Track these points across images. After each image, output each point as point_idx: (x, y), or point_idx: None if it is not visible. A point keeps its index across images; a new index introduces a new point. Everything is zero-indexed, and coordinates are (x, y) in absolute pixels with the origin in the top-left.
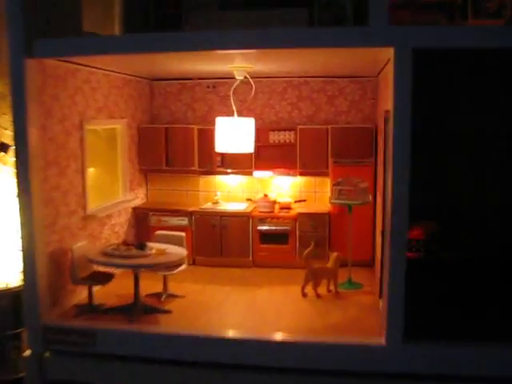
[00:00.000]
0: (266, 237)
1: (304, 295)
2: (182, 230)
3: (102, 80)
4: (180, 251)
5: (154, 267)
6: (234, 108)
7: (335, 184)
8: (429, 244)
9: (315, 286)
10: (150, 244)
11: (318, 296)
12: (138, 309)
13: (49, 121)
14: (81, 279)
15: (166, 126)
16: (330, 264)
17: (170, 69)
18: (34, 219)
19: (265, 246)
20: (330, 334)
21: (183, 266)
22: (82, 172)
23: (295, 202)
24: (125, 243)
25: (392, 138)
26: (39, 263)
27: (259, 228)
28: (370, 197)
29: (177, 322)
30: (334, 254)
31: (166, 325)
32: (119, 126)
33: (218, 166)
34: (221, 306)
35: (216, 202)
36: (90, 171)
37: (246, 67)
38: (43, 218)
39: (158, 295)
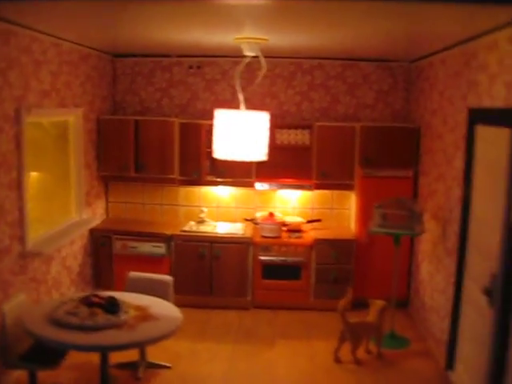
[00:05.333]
0: (271, 270)
1: (337, 360)
2: (156, 261)
3: (49, 51)
4: (170, 312)
5: (133, 347)
6: (240, 97)
7: (377, 206)
8: None
9: (354, 349)
10: (124, 297)
11: (358, 363)
12: None
13: None
14: (18, 360)
15: (134, 117)
16: (372, 316)
17: (146, 37)
18: None
19: (269, 281)
20: None
21: None
22: (19, 186)
23: (307, 221)
24: (87, 299)
25: None
26: None
27: (262, 258)
28: (425, 225)
29: None
30: (378, 303)
31: None
32: (72, 118)
33: (207, 174)
34: None
35: (202, 221)
36: (32, 179)
37: (260, 39)
38: None
39: (132, 366)
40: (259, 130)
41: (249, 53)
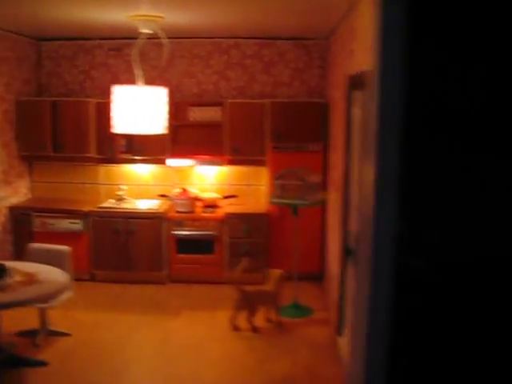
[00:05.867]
0: (185, 244)
1: (235, 328)
2: (75, 237)
3: None
4: (57, 277)
5: (11, 306)
6: (138, 73)
7: (277, 177)
8: None
9: (250, 317)
10: (17, 266)
11: (255, 330)
12: None
13: None
14: None
15: (52, 99)
16: (269, 285)
17: (55, 17)
18: None
19: (183, 256)
20: None
21: (66, 295)
22: None
23: (224, 197)
24: None
25: (373, 114)
26: None
27: (176, 233)
28: (323, 195)
29: (53, 382)
30: (276, 272)
31: None
32: None
33: (122, 152)
34: (120, 352)
35: (120, 199)
36: None
37: (155, 17)
38: None
39: (33, 334)
40: (157, 104)
41: (146, 30)
